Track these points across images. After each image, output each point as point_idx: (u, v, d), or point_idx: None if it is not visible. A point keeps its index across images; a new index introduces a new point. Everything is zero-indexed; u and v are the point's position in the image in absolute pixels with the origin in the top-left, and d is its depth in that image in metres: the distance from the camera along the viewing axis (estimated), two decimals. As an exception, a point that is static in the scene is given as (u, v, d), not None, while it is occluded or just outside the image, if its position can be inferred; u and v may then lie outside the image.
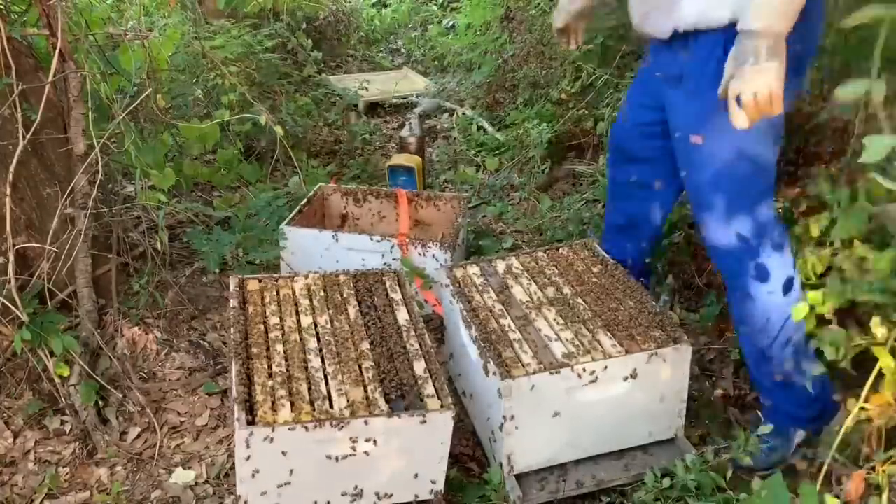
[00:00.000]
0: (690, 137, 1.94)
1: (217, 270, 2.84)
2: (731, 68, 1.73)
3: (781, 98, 1.69)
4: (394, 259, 2.78)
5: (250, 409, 1.83)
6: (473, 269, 2.39)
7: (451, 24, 6.39)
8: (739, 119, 1.73)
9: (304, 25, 5.19)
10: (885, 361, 1.65)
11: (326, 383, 1.92)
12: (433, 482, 1.96)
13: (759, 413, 2.11)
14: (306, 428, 1.79)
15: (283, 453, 1.80)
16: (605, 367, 1.98)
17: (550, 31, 4.13)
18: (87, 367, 2.39)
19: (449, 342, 2.45)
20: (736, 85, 1.71)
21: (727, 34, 1.76)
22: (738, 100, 1.71)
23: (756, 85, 1.68)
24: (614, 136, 2.32)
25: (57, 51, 2.37)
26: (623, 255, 2.40)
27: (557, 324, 2.12)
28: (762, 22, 1.66)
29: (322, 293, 2.26)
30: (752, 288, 1.98)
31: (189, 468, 2.26)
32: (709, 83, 1.83)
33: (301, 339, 2.06)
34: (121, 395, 2.43)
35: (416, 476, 1.94)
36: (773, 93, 1.68)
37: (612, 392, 2.01)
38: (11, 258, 2.28)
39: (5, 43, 2.28)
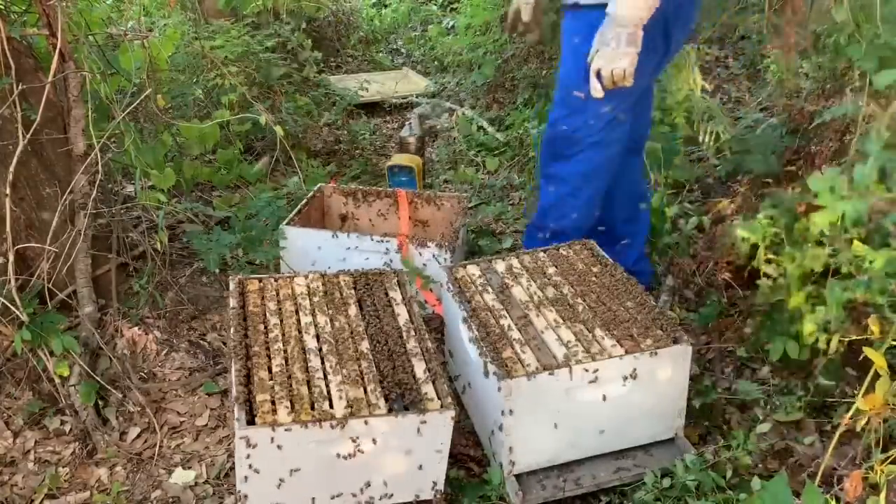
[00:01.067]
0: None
1: (217, 270, 2.84)
2: (597, 44, 2.21)
3: (633, 75, 2.20)
4: (391, 259, 2.78)
5: (250, 409, 1.83)
6: (473, 269, 2.39)
7: (451, 24, 6.39)
8: (596, 90, 2.26)
9: (304, 25, 5.18)
10: (878, 363, 1.65)
11: (326, 383, 1.92)
12: (433, 482, 1.96)
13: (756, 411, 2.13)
14: (306, 428, 1.79)
15: (283, 453, 1.80)
16: (605, 368, 1.98)
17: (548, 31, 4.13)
18: (87, 367, 2.39)
19: (449, 342, 2.45)
20: (597, 62, 2.22)
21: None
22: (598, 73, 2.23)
23: (614, 65, 2.19)
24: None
25: (57, 51, 2.38)
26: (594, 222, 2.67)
27: (557, 324, 2.12)
28: (625, 11, 2.12)
29: (322, 293, 2.26)
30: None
31: (189, 468, 2.26)
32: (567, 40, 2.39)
33: (301, 339, 2.06)
34: (121, 395, 2.43)
35: (416, 476, 1.94)
36: (627, 71, 2.20)
37: (612, 392, 2.01)
38: (11, 258, 2.28)
39: (5, 43, 2.28)
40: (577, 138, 2.43)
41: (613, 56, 2.19)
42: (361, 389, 1.91)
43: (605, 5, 2.19)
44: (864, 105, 2.20)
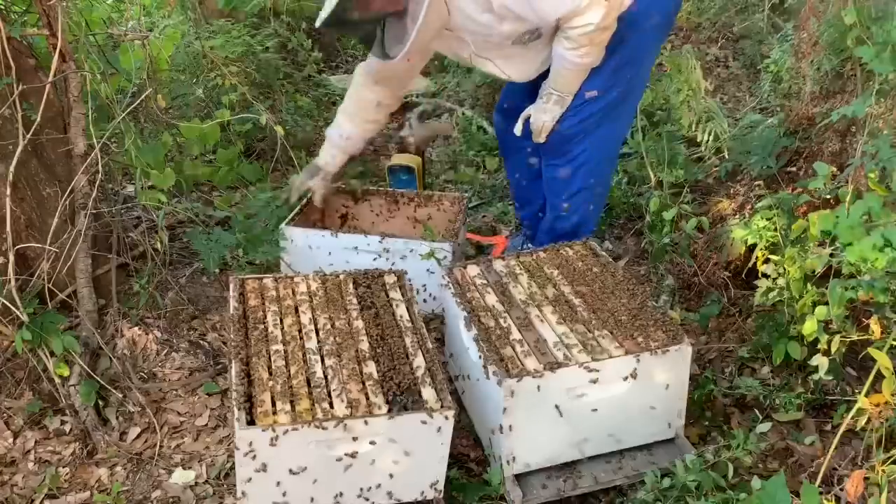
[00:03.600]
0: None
1: (216, 270, 2.83)
2: (540, 95, 2.62)
3: (548, 131, 2.61)
4: (393, 262, 2.77)
5: (250, 409, 1.83)
6: (473, 269, 2.39)
7: (451, 24, 6.37)
8: (519, 128, 2.68)
9: (304, 25, 5.18)
10: (882, 362, 1.65)
11: (326, 383, 1.92)
12: (433, 482, 1.96)
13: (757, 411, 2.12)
14: (306, 428, 1.79)
15: (283, 453, 1.80)
16: (605, 367, 1.98)
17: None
18: (87, 367, 2.39)
19: (449, 342, 2.45)
20: (530, 110, 2.64)
21: None
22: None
23: (539, 116, 2.61)
24: (503, 110, 2.93)
25: (57, 51, 2.38)
26: (533, 212, 3.01)
27: (557, 324, 2.12)
28: (556, 85, 2.56)
29: (322, 293, 2.26)
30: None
31: (189, 468, 2.26)
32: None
33: (301, 339, 2.06)
34: (121, 395, 2.43)
35: (416, 476, 1.94)
36: (545, 125, 2.60)
37: (612, 392, 2.01)
38: (11, 258, 2.28)
39: (5, 43, 2.28)
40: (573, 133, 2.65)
41: (542, 109, 2.60)
42: (361, 389, 1.91)
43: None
44: (871, 106, 2.20)
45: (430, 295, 2.79)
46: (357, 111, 2.84)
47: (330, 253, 2.80)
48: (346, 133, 2.86)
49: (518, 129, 2.69)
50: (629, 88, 2.61)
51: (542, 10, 2.35)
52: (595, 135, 2.62)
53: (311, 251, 2.81)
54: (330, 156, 2.90)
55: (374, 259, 2.77)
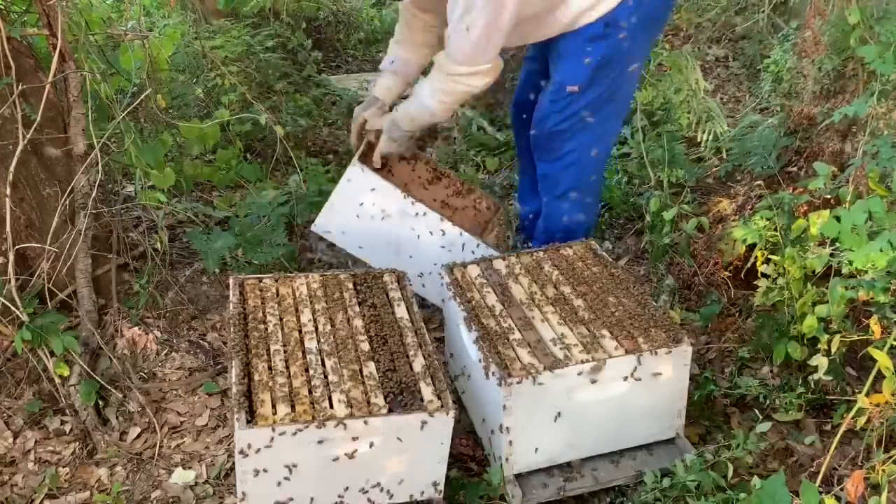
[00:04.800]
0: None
1: (217, 270, 2.83)
2: (385, 127, 2.69)
3: (391, 153, 2.73)
4: (445, 247, 2.65)
5: (250, 409, 1.83)
6: (473, 269, 2.39)
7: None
8: (376, 155, 2.71)
9: (304, 25, 5.18)
10: (883, 361, 1.65)
11: (326, 383, 1.92)
12: (433, 482, 1.96)
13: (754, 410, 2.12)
14: (306, 428, 1.79)
15: (283, 453, 1.80)
16: (605, 367, 1.98)
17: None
18: (87, 367, 2.39)
19: (449, 342, 2.45)
20: (381, 138, 2.68)
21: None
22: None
23: (384, 149, 2.68)
24: (515, 104, 2.95)
25: (57, 51, 2.38)
26: (532, 210, 2.99)
27: (557, 324, 2.12)
28: (399, 116, 2.64)
29: (322, 293, 2.26)
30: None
31: (189, 468, 2.26)
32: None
33: (301, 339, 2.06)
34: (121, 395, 2.43)
35: (416, 476, 1.94)
36: (393, 153, 2.73)
37: (612, 392, 2.01)
38: (11, 258, 2.28)
39: (5, 43, 2.28)
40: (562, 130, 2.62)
41: (389, 140, 2.67)
42: (361, 389, 1.91)
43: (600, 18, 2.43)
44: (872, 106, 2.20)
45: None
46: (408, 36, 2.79)
47: (387, 217, 2.67)
48: (400, 58, 2.80)
49: (377, 155, 2.70)
50: (615, 88, 2.56)
51: (451, 30, 2.37)
52: (583, 133, 2.59)
53: (370, 204, 2.64)
54: (386, 85, 2.83)
55: (431, 234, 2.66)
